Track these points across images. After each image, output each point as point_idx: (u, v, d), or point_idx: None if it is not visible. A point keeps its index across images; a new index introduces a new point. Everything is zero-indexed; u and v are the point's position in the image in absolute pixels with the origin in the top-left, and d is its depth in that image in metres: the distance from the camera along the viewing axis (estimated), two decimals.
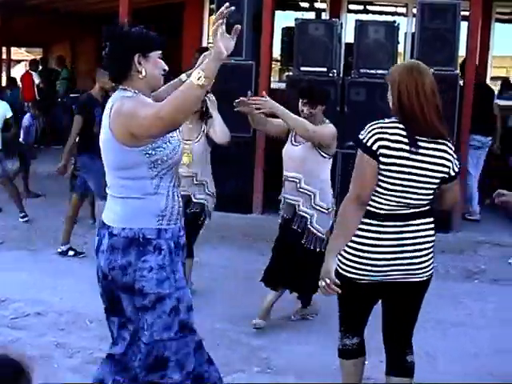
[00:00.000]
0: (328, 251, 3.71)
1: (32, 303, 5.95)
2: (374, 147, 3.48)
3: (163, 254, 3.41)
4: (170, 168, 3.46)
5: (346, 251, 3.61)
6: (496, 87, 11.63)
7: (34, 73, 15.42)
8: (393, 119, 3.58)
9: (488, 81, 10.76)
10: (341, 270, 3.64)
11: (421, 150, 3.48)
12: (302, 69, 8.43)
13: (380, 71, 7.70)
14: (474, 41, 8.15)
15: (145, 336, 3.44)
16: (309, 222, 5.36)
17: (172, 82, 3.86)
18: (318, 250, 5.32)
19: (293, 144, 5.50)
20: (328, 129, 5.38)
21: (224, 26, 3.16)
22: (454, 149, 3.59)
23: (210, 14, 11.39)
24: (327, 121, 5.52)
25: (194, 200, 5.94)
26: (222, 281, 6.78)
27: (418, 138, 3.49)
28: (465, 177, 8.32)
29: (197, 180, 5.97)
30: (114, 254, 3.40)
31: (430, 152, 3.50)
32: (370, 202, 3.56)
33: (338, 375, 4.38)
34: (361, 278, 3.61)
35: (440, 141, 3.52)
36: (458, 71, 8.16)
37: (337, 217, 3.75)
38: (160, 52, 3.48)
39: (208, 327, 5.45)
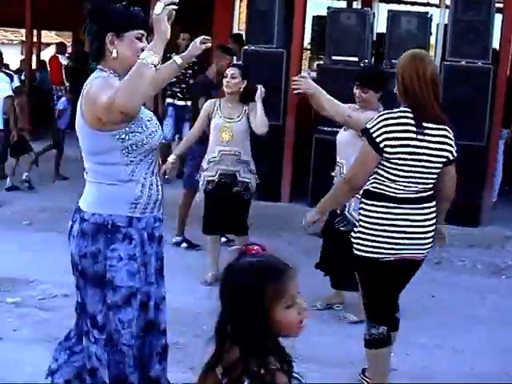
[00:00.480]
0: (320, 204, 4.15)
1: (59, 285, 5.95)
2: (379, 139, 3.70)
3: (134, 243, 3.26)
4: (147, 154, 3.31)
5: (368, 234, 3.84)
6: None
7: (60, 55, 15.44)
8: (401, 108, 3.78)
9: None
10: (365, 253, 3.87)
11: (427, 136, 3.71)
12: (334, 58, 8.39)
13: None
14: (508, 33, 8.05)
15: (124, 337, 3.27)
16: (346, 209, 5.33)
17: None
18: None
19: (344, 129, 5.47)
20: (365, 115, 4.99)
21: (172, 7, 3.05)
22: (453, 133, 3.81)
23: (241, 1, 11.40)
24: (381, 109, 5.18)
25: (240, 178, 6.13)
26: None
27: (424, 123, 3.70)
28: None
29: (240, 159, 6.12)
30: (84, 240, 3.25)
31: (435, 138, 3.74)
32: (384, 187, 3.80)
33: (360, 364, 4.43)
34: (379, 256, 3.83)
35: (441, 126, 3.75)
36: (490, 64, 8.07)
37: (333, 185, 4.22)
38: (140, 32, 3.30)
39: None
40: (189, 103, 9.92)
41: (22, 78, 15.25)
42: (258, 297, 2.15)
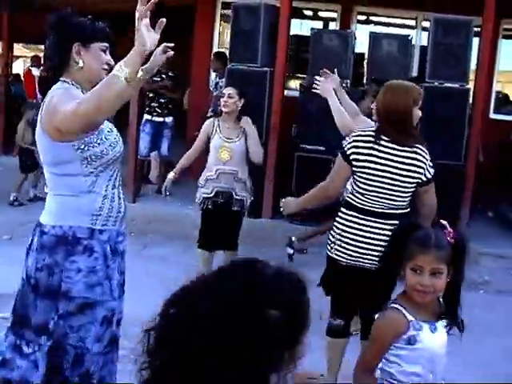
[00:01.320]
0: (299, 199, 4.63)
1: None
2: (348, 152, 4.16)
3: (95, 256, 3.22)
4: (108, 165, 3.28)
5: (333, 237, 4.32)
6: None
7: (33, 68, 15.33)
8: (372, 127, 4.37)
9: (493, 96, 10.93)
10: (330, 253, 4.35)
11: (392, 156, 4.09)
12: (316, 77, 8.52)
13: None
14: (485, 56, 8.28)
15: (71, 339, 3.22)
16: None
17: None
18: None
19: None
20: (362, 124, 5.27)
21: (148, 20, 2.87)
22: (427, 155, 4.16)
23: (222, 20, 11.52)
24: None
25: (236, 197, 6.27)
26: None
27: (389, 144, 4.09)
28: None
29: (237, 177, 6.27)
30: (43, 253, 3.20)
31: (401, 159, 4.09)
32: (355, 198, 4.22)
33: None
34: (342, 259, 4.27)
35: (410, 149, 4.10)
36: (469, 86, 8.30)
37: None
38: (105, 45, 3.33)
39: None
40: (167, 119, 10.05)
41: None
42: None
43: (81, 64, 3.24)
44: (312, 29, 8.98)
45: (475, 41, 8.46)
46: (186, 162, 6.49)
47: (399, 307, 2.94)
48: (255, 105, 8.51)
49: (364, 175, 4.13)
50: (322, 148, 8.26)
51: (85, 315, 3.21)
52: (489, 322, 6.21)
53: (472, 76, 8.70)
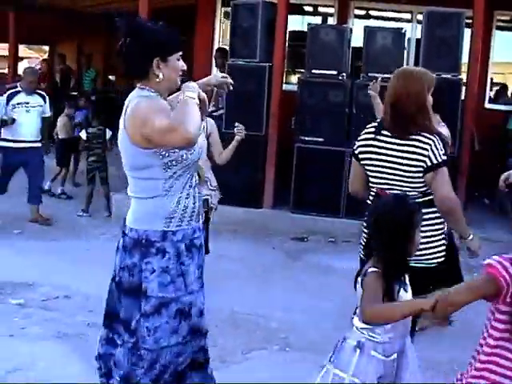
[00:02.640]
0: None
1: (59, 287, 6.29)
2: (357, 151, 4.14)
3: (168, 256, 3.36)
4: (187, 168, 3.42)
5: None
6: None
7: None
8: (377, 121, 4.20)
9: (488, 86, 11.16)
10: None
11: (392, 145, 3.96)
12: (313, 71, 8.79)
13: (387, 75, 8.01)
14: (476, 47, 8.52)
15: (148, 343, 3.39)
16: None
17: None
18: None
19: None
20: None
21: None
22: (433, 141, 3.88)
23: (222, 17, 11.77)
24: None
25: (211, 205, 6.24)
26: (239, 271, 7.16)
27: (388, 139, 3.98)
28: None
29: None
30: (124, 254, 3.42)
31: (401, 147, 3.92)
32: (371, 194, 4.12)
33: None
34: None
35: (410, 140, 3.90)
36: (461, 76, 8.54)
37: None
38: (180, 54, 3.40)
39: (228, 312, 5.93)
40: None
41: None
42: (406, 221, 3.16)
43: (161, 77, 3.34)
44: (309, 24, 9.24)
45: (468, 32, 8.70)
46: None
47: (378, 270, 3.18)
48: (255, 98, 8.82)
49: (371, 168, 4.06)
50: (320, 139, 8.50)
51: (160, 316, 3.38)
52: (482, 302, 6.44)
53: (466, 67, 8.94)
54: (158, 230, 3.34)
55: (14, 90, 8.85)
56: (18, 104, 8.73)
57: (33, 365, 4.67)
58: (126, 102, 3.40)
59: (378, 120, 4.24)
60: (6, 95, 8.76)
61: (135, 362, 3.43)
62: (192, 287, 3.44)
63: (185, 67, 3.46)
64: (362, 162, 4.10)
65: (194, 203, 3.49)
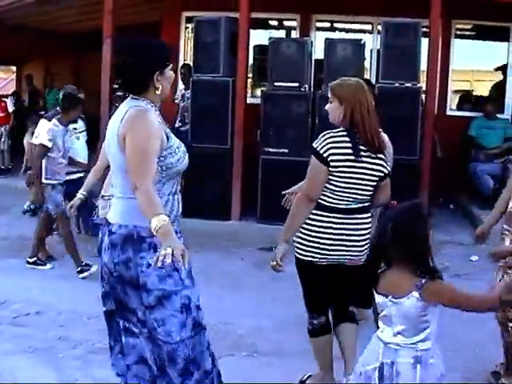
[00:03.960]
0: (280, 238, 4.43)
1: (30, 304, 6.29)
2: (325, 155, 4.22)
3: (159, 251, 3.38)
4: (174, 176, 3.58)
5: (305, 239, 4.38)
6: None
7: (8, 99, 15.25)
8: (341, 129, 4.32)
9: (449, 93, 11.38)
10: (301, 256, 4.43)
11: (363, 158, 4.26)
12: (276, 84, 8.95)
13: None
14: (434, 56, 8.73)
15: (160, 334, 3.52)
16: None
17: None
18: None
19: None
20: None
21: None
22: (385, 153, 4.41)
23: (187, 33, 11.91)
24: None
25: None
26: (207, 282, 7.25)
27: (361, 147, 4.26)
28: None
29: None
30: (115, 251, 3.50)
31: (371, 160, 4.28)
32: (324, 198, 4.31)
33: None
34: (318, 260, 4.37)
35: (378, 155, 4.32)
36: (420, 85, 8.74)
37: (292, 208, 4.45)
38: (171, 65, 3.60)
39: None
40: None
41: None
42: (426, 228, 3.29)
43: (160, 89, 3.55)
44: (270, 38, 9.42)
45: (426, 41, 8.90)
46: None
47: None
48: (220, 113, 8.96)
49: (341, 174, 4.24)
50: (284, 150, 8.66)
51: (164, 307, 3.49)
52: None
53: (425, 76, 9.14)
54: (147, 226, 3.35)
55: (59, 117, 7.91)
56: (73, 129, 8.15)
57: (2, 378, 4.72)
58: (123, 109, 3.54)
59: (342, 129, 4.32)
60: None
61: (160, 352, 3.58)
62: (186, 282, 3.55)
63: (173, 76, 3.66)
64: (335, 166, 4.22)
65: (177, 208, 3.65)
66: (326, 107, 4.47)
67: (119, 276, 3.55)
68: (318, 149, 4.25)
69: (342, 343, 4.60)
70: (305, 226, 4.37)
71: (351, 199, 4.31)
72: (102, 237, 3.64)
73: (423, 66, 8.89)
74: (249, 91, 10.84)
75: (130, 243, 3.49)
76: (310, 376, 4.80)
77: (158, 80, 3.52)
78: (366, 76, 10.30)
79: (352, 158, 4.24)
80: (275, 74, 8.97)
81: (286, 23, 12.47)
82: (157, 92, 3.56)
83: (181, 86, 11.29)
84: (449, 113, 11.34)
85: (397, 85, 8.60)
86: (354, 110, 4.31)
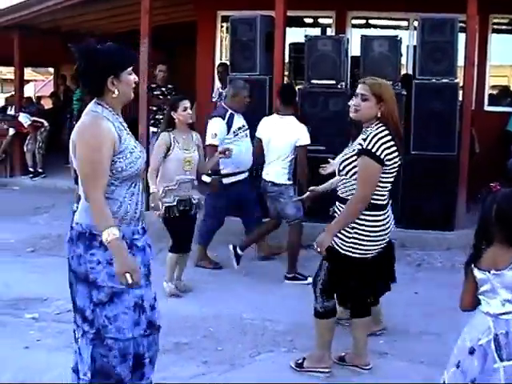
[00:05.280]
0: (331, 230, 4.54)
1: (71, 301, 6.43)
2: (382, 155, 4.35)
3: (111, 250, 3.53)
4: (128, 178, 3.65)
5: (362, 239, 4.53)
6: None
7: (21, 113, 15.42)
8: (383, 128, 4.44)
9: (487, 89, 11.30)
10: (355, 255, 4.57)
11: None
12: (313, 82, 8.97)
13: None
14: (471, 51, 8.67)
15: (110, 331, 3.58)
16: None
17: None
18: None
19: None
20: None
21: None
22: None
23: (223, 32, 11.98)
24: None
25: (193, 201, 6.68)
26: (244, 278, 7.33)
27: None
28: None
29: (194, 184, 6.72)
30: (72, 246, 3.63)
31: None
32: (375, 197, 4.46)
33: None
34: (367, 256, 4.60)
35: None
36: (457, 80, 8.69)
37: (344, 209, 4.53)
38: (130, 68, 3.68)
39: (236, 318, 6.13)
40: None
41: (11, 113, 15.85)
42: None
43: (116, 93, 3.63)
44: (306, 36, 9.41)
45: (463, 37, 8.85)
46: (155, 174, 6.67)
47: None
48: (257, 111, 8.98)
49: (391, 171, 4.45)
50: (322, 147, 8.66)
51: (116, 304, 3.57)
52: None
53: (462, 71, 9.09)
54: None
55: (230, 112, 7.66)
56: (238, 129, 7.73)
57: (48, 372, 4.83)
58: (82, 115, 3.68)
59: (384, 127, 4.46)
60: (225, 120, 7.60)
61: (105, 354, 3.60)
62: (140, 282, 3.58)
63: (136, 79, 3.75)
64: (389, 164, 4.41)
65: (135, 209, 3.71)
66: (355, 103, 4.51)
67: (73, 271, 3.64)
68: (374, 150, 4.36)
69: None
70: (360, 226, 4.50)
71: (389, 193, 4.55)
72: (69, 230, 3.77)
73: (460, 61, 8.81)
74: None
75: (82, 240, 3.60)
76: (304, 358, 5.04)
77: (114, 84, 3.61)
78: (404, 72, 10.30)
79: (397, 153, 4.42)
80: (312, 71, 8.98)
81: (321, 21, 12.48)
82: (113, 96, 3.63)
83: (218, 84, 11.38)
84: (486, 108, 11.26)
85: (434, 81, 8.56)
86: (391, 108, 4.47)
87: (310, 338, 5.64)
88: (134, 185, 3.71)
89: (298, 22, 12.25)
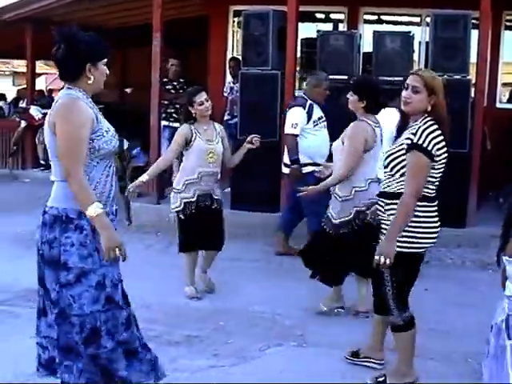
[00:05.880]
0: (392, 236, 4.31)
1: None
2: (430, 148, 4.25)
3: (85, 233, 3.69)
4: (102, 158, 3.79)
5: (415, 232, 4.39)
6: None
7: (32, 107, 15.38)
8: (432, 122, 4.34)
9: (499, 86, 11.28)
10: (410, 250, 4.41)
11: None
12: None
13: (397, 78, 8.15)
14: (484, 48, 8.65)
15: (74, 309, 3.71)
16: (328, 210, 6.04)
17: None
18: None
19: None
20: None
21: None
22: None
23: (235, 27, 12.00)
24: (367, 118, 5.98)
25: (215, 197, 6.50)
26: (255, 272, 7.35)
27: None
28: None
29: (217, 178, 6.52)
30: (44, 230, 3.73)
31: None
32: (426, 190, 4.36)
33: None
34: (421, 250, 4.50)
35: None
36: (469, 77, 8.68)
37: (397, 210, 4.34)
38: (106, 60, 3.85)
39: (247, 310, 6.19)
40: None
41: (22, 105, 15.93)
42: None
43: (92, 80, 3.79)
44: (318, 31, 9.43)
45: (476, 33, 8.83)
46: (164, 165, 6.67)
47: None
48: (269, 106, 9.02)
49: (440, 163, 4.34)
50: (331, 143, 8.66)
51: (81, 283, 3.71)
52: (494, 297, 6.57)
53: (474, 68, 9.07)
54: (75, 208, 3.68)
55: (310, 103, 7.63)
56: (318, 119, 7.72)
57: None
58: (57, 98, 3.81)
59: (432, 121, 4.38)
60: (305, 110, 7.60)
61: (68, 331, 3.75)
62: (103, 261, 3.74)
63: (107, 71, 3.90)
64: (438, 155, 4.31)
65: (110, 190, 3.85)
66: (406, 95, 4.39)
67: (42, 255, 3.76)
68: (425, 145, 4.25)
69: None
70: (413, 219, 4.36)
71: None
72: (42, 215, 3.85)
73: (473, 58, 8.80)
74: (296, 84, 10.87)
75: (58, 223, 3.71)
76: (384, 375, 4.76)
77: (91, 71, 3.77)
78: (415, 68, 10.27)
79: (446, 148, 4.35)
80: (324, 66, 8.96)
81: (332, 16, 12.47)
82: (89, 82, 3.79)
83: (229, 78, 11.41)
84: (498, 105, 11.24)
85: (446, 77, 8.53)
86: (442, 102, 4.41)
87: (320, 332, 5.69)
88: (108, 166, 3.86)
89: (310, 17, 12.24)
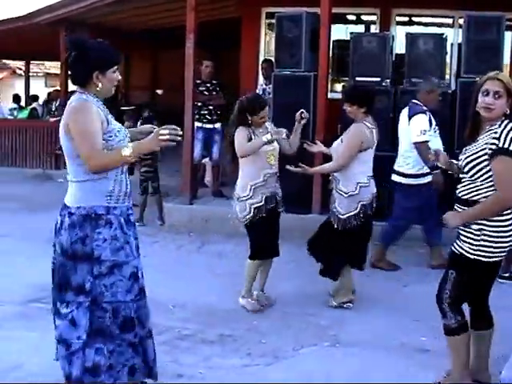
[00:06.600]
0: (466, 217, 4.30)
1: None
2: None
3: (114, 227, 3.97)
4: None
5: (489, 240, 4.27)
6: None
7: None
8: (509, 122, 4.19)
9: None
10: (485, 258, 4.31)
11: None
12: (357, 79, 8.99)
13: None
14: None
15: (107, 297, 3.94)
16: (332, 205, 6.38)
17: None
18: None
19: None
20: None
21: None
22: None
23: (267, 29, 12.07)
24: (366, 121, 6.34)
25: (278, 198, 6.31)
26: (288, 275, 7.38)
27: None
28: None
29: (278, 178, 6.33)
30: (74, 230, 3.93)
31: None
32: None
33: (398, 348, 5.03)
34: (498, 259, 4.39)
35: None
36: None
37: (481, 205, 4.26)
38: (116, 67, 4.03)
39: (280, 312, 6.23)
40: (216, 126, 10.55)
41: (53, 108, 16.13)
42: None
43: (100, 87, 3.97)
44: (351, 33, 9.45)
45: (509, 35, 8.82)
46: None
47: None
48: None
49: None
50: None
51: (114, 274, 3.96)
52: None
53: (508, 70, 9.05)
54: (102, 205, 3.96)
55: (427, 109, 7.53)
56: (435, 125, 7.63)
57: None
58: (70, 101, 3.97)
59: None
60: (427, 116, 7.46)
61: (101, 315, 3.96)
62: (134, 253, 4.08)
63: (119, 78, 4.12)
64: None
65: (126, 186, 4.11)
66: (489, 102, 4.25)
67: (72, 255, 3.94)
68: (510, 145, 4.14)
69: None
70: (491, 228, 4.29)
71: None
72: (61, 218, 4.03)
73: (506, 59, 8.77)
74: (328, 86, 10.89)
75: (88, 222, 3.93)
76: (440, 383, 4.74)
77: (98, 78, 3.95)
78: (448, 70, 10.27)
79: None
80: (356, 68, 9.01)
81: (364, 18, 12.48)
82: (97, 88, 3.98)
83: (261, 80, 11.46)
84: None
85: (479, 79, 8.51)
86: None
87: (354, 332, 5.72)
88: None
89: (342, 19, 12.26)
